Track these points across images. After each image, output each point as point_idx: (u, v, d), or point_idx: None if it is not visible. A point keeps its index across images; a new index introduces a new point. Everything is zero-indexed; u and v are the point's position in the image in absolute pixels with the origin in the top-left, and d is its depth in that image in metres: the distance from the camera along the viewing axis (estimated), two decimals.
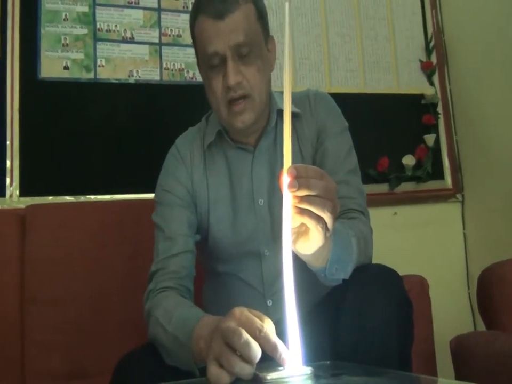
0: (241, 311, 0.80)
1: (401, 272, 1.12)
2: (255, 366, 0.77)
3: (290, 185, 0.75)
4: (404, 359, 1.03)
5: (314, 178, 0.78)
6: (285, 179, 0.76)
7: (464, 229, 2.57)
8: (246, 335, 0.76)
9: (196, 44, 1.27)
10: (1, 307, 1.67)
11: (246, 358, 0.76)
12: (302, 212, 0.78)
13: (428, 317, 1.77)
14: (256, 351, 0.76)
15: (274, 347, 0.76)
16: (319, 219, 0.79)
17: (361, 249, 1.08)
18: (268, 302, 1.26)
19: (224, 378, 0.77)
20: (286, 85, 0.78)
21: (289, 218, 0.77)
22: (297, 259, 0.86)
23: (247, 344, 0.76)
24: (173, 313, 1.10)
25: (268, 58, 1.27)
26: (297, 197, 0.77)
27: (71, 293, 1.71)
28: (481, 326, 1.71)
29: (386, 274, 1.08)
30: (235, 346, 0.76)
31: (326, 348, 1.02)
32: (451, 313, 2.31)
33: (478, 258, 2.48)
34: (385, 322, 1.00)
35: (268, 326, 0.78)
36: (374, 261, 1.19)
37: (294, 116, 1.29)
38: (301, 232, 0.84)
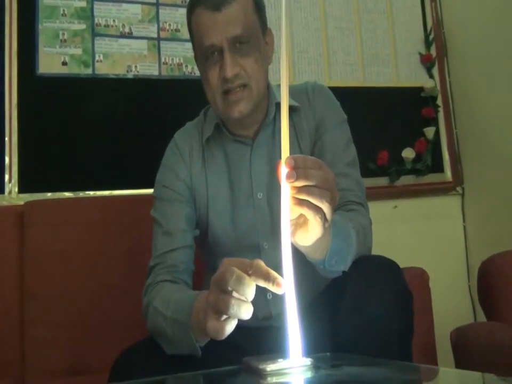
0: (229, 259, 0.80)
1: (402, 265, 1.12)
2: (250, 303, 0.78)
3: (288, 176, 0.75)
4: (404, 351, 1.03)
5: (313, 168, 0.77)
6: (283, 170, 0.76)
7: (464, 221, 2.57)
8: (237, 271, 0.77)
9: (192, 36, 1.27)
10: (1, 303, 1.68)
11: (241, 294, 0.77)
12: (301, 202, 0.78)
13: (428, 309, 1.77)
14: (249, 284, 0.76)
15: (267, 275, 0.76)
16: (317, 209, 0.79)
17: (360, 240, 1.08)
18: (268, 295, 1.26)
19: (223, 328, 0.79)
20: (283, 77, 0.77)
21: (288, 210, 0.77)
22: (296, 251, 0.86)
23: (239, 279, 0.76)
24: (170, 299, 1.10)
25: (265, 51, 1.27)
26: (295, 187, 0.76)
27: (70, 288, 1.72)
28: (482, 318, 1.71)
29: (386, 265, 1.08)
30: (229, 286, 0.77)
31: (326, 340, 1.02)
32: (451, 305, 2.32)
33: (478, 250, 2.48)
34: (385, 314, 1.00)
35: (257, 262, 0.78)
36: (374, 253, 1.19)
37: (292, 109, 1.29)
38: (299, 223, 0.84)
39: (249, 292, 0.76)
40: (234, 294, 0.77)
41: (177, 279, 1.21)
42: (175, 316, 1.04)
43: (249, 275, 0.77)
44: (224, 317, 0.79)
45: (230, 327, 0.80)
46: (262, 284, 0.76)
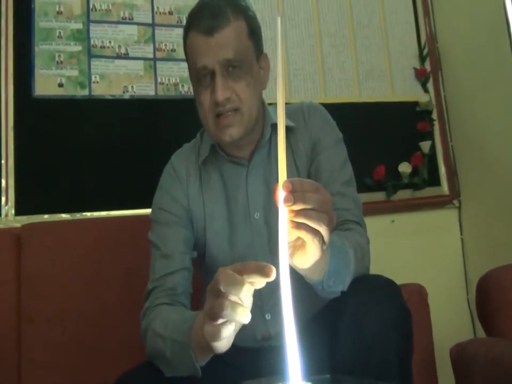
0: (222, 267, 0.80)
1: (399, 279, 1.12)
2: (245, 305, 0.78)
3: (286, 200, 0.74)
4: (404, 371, 1.02)
5: (310, 192, 0.77)
6: (280, 193, 0.76)
7: (461, 234, 2.57)
8: (229, 271, 0.77)
9: (187, 57, 1.28)
10: None
11: (234, 294, 0.77)
12: (298, 225, 0.78)
13: (427, 326, 1.76)
14: (242, 282, 0.76)
15: (255, 266, 0.76)
16: (315, 232, 0.79)
17: (358, 260, 1.08)
18: (267, 315, 1.26)
19: (219, 330, 0.79)
20: (279, 98, 0.77)
21: (286, 233, 0.77)
22: (294, 272, 0.86)
23: (231, 279, 0.76)
24: (169, 320, 1.10)
25: (259, 76, 1.27)
26: (293, 211, 0.76)
27: (68, 311, 1.71)
28: (481, 331, 1.71)
29: (384, 285, 1.08)
30: (221, 287, 0.77)
31: (325, 361, 1.02)
32: (450, 319, 2.31)
33: (476, 263, 2.48)
34: (384, 334, 1.00)
35: (247, 262, 0.78)
36: (372, 269, 1.19)
37: (288, 129, 1.30)
38: (297, 245, 0.84)
39: (243, 292, 0.76)
40: (230, 297, 0.77)
41: (175, 302, 1.21)
42: (174, 336, 1.04)
43: (240, 271, 0.77)
44: (221, 320, 0.79)
45: (227, 330, 0.79)
46: (255, 277, 0.76)
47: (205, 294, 1.39)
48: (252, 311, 1.25)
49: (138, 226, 1.67)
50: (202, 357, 0.98)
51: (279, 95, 0.76)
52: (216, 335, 0.80)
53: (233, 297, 0.77)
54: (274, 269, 0.74)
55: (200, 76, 1.21)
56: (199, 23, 1.19)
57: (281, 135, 0.76)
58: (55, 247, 1.76)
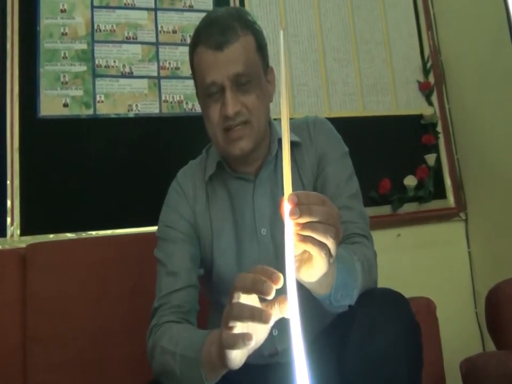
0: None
1: (407, 293, 1.11)
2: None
3: (292, 213, 0.73)
4: None
5: (316, 204, 0.76)
6: (286, 207, 0.75)
7: (468, 247, 2.56)
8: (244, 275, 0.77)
9: (194, 73, 1.27)
10: (3, 347, 1.66)
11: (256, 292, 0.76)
12: (305, 239, 0.77)
13: (436, 340, 1.75)
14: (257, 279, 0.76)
15: (261, 269, 0.77)
16: (322, 245, 0.78)
17: (365, 273, 1.07)
18: (274, 331, 1.24)
19: (236, 338, 0.77)
20: (283, 112, 0.77)
21: (292, 246, 0.77)
22: (301, 287, 0.85)
23: (249, 280, 0.76)
24: (179, 337, 1.09)
25: (266, 89, 1.27)
26: (299, 224, 0.75)
27: (73, 331, 1.70)
28: (490, 345, 1.69)
29: (393, 298, 1.07)
30: (241, 289, 0.77)
31: (334, 376, 1.00)
32: (459, 333, 2.29)
33: (484, 276, 2.47)
34: (393, 348, 0.98)
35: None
36: (380, 283, 1.18)
37: (294, 144, 1.30)
38: (304, 259, 0.83)
39: (257, 285, 0.76)
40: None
41: (182, 320, 1.20)
42: (184, 353, 1.03)
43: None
44: (239, 328, 0.78)
45: (243, 341, 0.77)
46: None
47: (212, 315, 1.38)
48: (259, 327, 1.25)
49: (143, 244, 1.67)
50: (213, 375, 0.97)
51: (283, 106, 0.76)
52: (233, 342, 0.78)
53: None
54: (281, 277, 0.74)
55: (209, 91, 1.21)
56: (207, 38, 1.19)
57: (286, 149, 0.76)
58: (60, 267, 1.76)
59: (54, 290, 1.72)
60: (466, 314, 2.46)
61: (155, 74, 2.22)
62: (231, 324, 0.78)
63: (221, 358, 0.84)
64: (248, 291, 0.77)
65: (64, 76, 2.10)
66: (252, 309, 0.76)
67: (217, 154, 1.32)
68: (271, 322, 0.77)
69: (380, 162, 2.45)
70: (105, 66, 2.16)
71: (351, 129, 2.27)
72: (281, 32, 0.79)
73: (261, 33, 1.27)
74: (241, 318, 0.77)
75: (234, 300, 0.78)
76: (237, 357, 0.83)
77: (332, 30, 2.55)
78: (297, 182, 1.29)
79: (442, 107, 2.65)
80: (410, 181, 2.46)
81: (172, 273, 1.25)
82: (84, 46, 2.15)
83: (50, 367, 1.65)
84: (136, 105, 2.17)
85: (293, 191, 0.76)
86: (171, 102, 2.22)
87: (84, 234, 1.99)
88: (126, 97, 2.17)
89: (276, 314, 0.77)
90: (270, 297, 0.75)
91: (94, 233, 2.00)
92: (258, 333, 0.79)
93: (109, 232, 2.02)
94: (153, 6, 2.28)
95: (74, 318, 1.71)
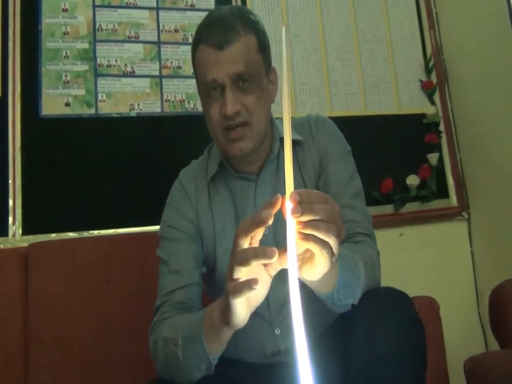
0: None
1: (409, 292, 1.11)
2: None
3: (294, 211, 0.72)
4: None
5: (318, 202, 0.75)
6: (288, 205, 0.75)
7: (471, 246, 2.55)
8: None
9: (196, 72, 1.27)
10: (5, 347, 1.66)
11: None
12: (307, 237, 0.76)
13: (440, 339, 1.74)
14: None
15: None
16: (324, 244, 0.77)
17: (368, 272, 1.06)
18: (276, 330, 1.24)
19: (240, 284, 0.77)
20: (285, 111, 0.77)
21: (294, 245, 0.76)
22: (304, 287, 0.85)
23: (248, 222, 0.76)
24: (179, 322, 1.09)
25: (268, 89, 1.27)
26: (301, 222, 0.74)
27: (75, 331, 1.70)
28: (493, 344, 1.69)
29: (397, 297, 1.06)
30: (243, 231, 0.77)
31: (337, 376, 1.00)
32: (461, 332, 2.28)
33: (486, 275, 2.46)
34: (397, 347, 0.97)
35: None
36: (382, 283, 1.17)
37: (296, 143, 1.29)
38: (306, 258, 0.82)
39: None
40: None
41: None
42: (185, 333, 1.03)
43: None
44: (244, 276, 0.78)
45: (249, 287, 0.77)
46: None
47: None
48: (261, 327, 1.25)
49: (145, 243, 1.67)
50: (217, 346, 0.97)
51: (284, 104, 0.76)
52: (239, 287, 0.77)
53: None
54: (276, 252, 0.73)
55: (210, 89, 1.20)
56: (209, 37, 1.19)
57: (288, 147, 0.76)
58: (62, 266, 1.76)
59: (56, 290, 1.72)
60: (469, 314, 2.46)
61: (157, 73, 2.22)
62: (235, 274, 0.78)
63: (225, 316, 0.84)
64: (249, 228, 0.76)
65: (66, 75, 2.10)
66: (254, 248, 0.76)
67: (219, 154, 1.32)
68: (273, 273, 0.78)
69: (382, 162, 2.44)
70: (107, 66, 2.16)
71: (353, 128, 2.26)
72: (283, 29, 0.78)
73: (263, 33, 1.27)
74: (245, 261, 0.75)
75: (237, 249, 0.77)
76: (242, 311, 0.82)
77: (334, 29, 2.55)
78: (299, 181, 1.29)
79: (444, 106, 2.64)
80: (412, 180, 2.46)
81: (175, 271, 1.24)
82: (86, 45, 2.15)
83: (52, 367, 1.65)
84: (138, 104, 2.16)
85: (294, 189, 0.75)
86: (173, 101, 2.22)
87: (85, 234, 1.99)
88: (128, 96, 2.16)
89: (275, 266, 0.77)
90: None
91: (96, 232, 2.00)
92: (261, 282, 0.78)
93: (111, 231, 2.01)
94: (155, 5, 2.28)
95: (76, 317, 1.71)
